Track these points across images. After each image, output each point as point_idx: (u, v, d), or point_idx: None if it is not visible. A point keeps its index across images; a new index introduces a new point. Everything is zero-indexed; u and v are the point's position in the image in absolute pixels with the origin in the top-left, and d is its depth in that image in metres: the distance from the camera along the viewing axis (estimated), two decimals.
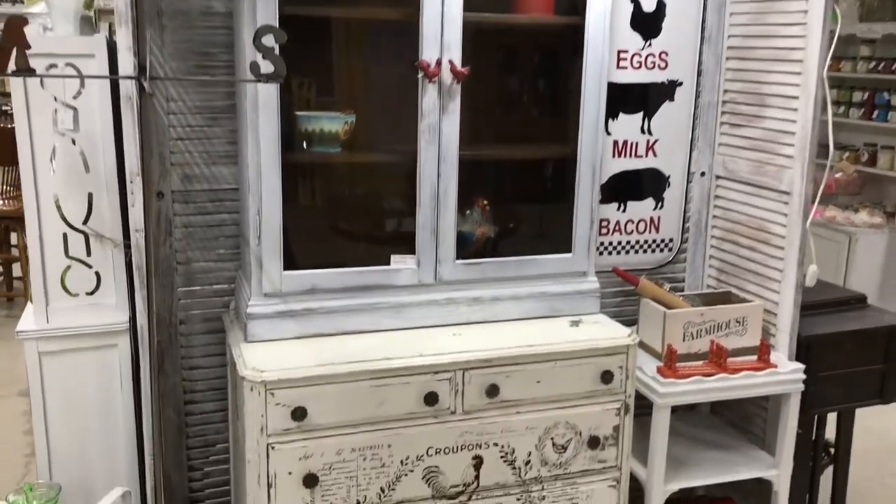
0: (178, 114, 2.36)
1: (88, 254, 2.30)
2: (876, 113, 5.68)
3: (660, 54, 2.78)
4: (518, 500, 2.31)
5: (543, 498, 2.34)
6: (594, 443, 2.35)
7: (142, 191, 2.06)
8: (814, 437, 3.02)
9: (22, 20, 1.66)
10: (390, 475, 2.17)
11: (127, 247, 2.27)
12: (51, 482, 2.22)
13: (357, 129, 2.30)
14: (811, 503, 3.13)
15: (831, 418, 3.13)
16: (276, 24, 2.00)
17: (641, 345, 2.57)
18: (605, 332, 2.39)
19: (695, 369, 2.54)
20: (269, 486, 2.07)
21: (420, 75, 2.20)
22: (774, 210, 2.71)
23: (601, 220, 2.80)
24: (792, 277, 2.64)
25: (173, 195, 2.40)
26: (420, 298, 2.35)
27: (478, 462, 2.24)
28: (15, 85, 2.14)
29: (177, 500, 2.57)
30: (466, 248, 2.41)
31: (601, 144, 2.47)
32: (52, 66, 2.09)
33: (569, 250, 2.47)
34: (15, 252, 5.56)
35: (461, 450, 2.22)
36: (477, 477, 2.25)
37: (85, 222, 2.27)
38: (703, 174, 2.95)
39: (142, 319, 2.16)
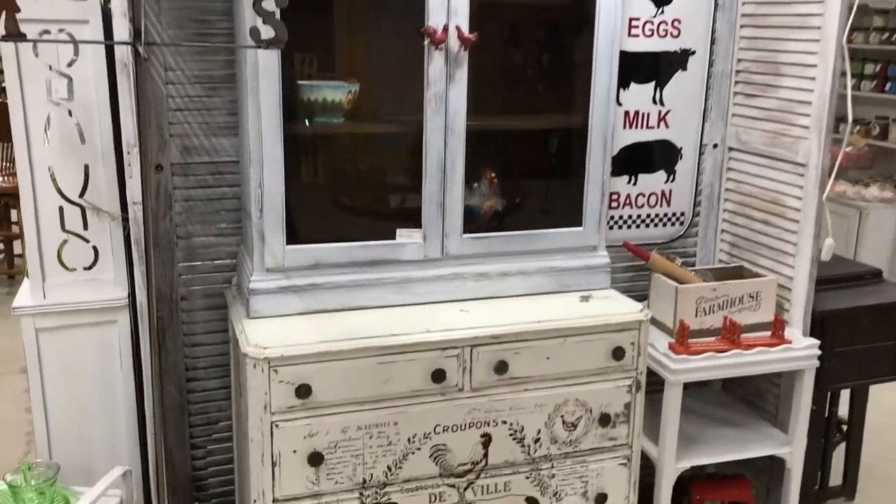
0: (176, 84, 2.29)
1: (85, 227, 2.24)
2: (888, 85, 5.58)
3: (672, 22, 2.69)
4: (527, 478, 2.27)
5: (553, 476, 2.29)
6: (605, 420, 2.30)
7: (139, 162, 2.00)
8: (826, 414, 2.98)
9: None
10: (397, 453, 2.12)
11: (125, 220, 2.21)
12: (49, 462, 2.18)
13: (361, 99, 2.23)
14: (823, 480, 3.10)
15: (844, 395, 3.08)
16: None
17: (652, 321, 2.51)
18: (616, 307, 2.33)
19: (707, 345, 2.49)
20: (274, 464, 2.03)
21: (426, 42, 2.13)
22: (789, 182, 2.64)
23: (611, 194, 2.73)
24: (807, 251, 2.58)
25: (172, 168, 2.34)
26: (426, 273, 2.29)
27: (486, 440, 2.20)
28: (7, 53, 2.07)
29: (179, 479, 2.53)
30: (474, 221, 2.35)
31: (613, 115, 2.39)
32: (45, 31, 2.02)
33: (579, 224, 2.40)
34: (15, 229, 5.50)
35: (469, 427, 2.18)
36: (485, 455, 2.21)
37: (81, 195, 2.21)
38: (715, 146, 2.88)
39: (141, 295, 2.11)
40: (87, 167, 2.19)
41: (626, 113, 2.73)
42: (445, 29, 2.12)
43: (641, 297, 2.69)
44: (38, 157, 2.15)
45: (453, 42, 2.14)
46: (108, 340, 2.30)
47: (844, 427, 3.16)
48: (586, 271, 2.43)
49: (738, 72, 2.81)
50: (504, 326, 2.17)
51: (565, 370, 2.23)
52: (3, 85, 5.86)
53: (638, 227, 2.85)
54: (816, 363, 2.54)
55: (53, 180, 2.17)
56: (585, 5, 2.28)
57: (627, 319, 2.27)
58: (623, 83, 2.67)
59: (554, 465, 2.29)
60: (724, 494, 2.66)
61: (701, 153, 2.86)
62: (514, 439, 2.23)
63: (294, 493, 2.06)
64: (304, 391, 2.01)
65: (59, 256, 2.23)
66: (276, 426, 2.01)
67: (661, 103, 2.77)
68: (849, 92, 2.47)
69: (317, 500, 2.09)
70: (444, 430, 2.15)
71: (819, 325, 2.63)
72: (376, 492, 2.13)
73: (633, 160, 2.78)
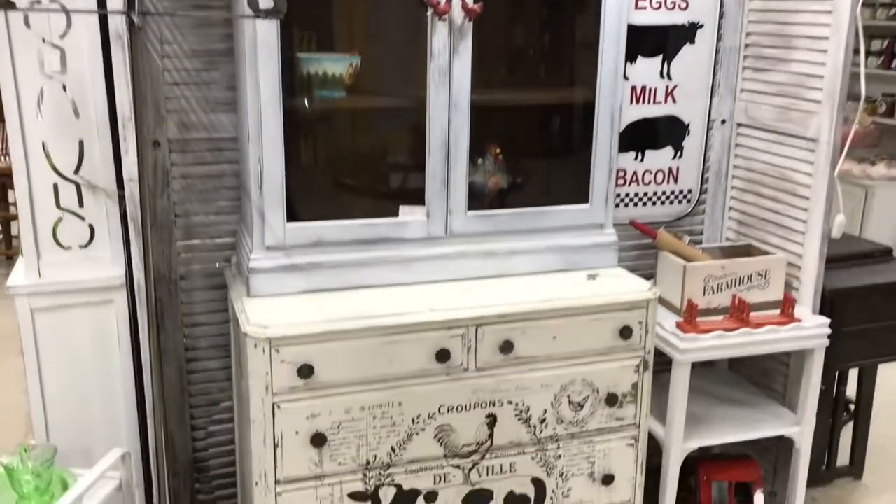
0: (173, 57, 2.24)
1: (81, 205, 2.18)
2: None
3: None
4: (533, 458, 2.23)
5: (559, 457, 2.26)
6: (612, 400, 2.26)
7: (135, 137, 1.94)
8: (834, 394, 2.95)
9: None
10: (401, 434, 2.09)
11: (121, 197, 2.16)
12: (46, 444, 2.14)
13: (363, 72, 2.17)
14: (830, 460, 3.07)
15: (851, 374, 3.05)
16: None
17: (659, 300, 2.46)
18: (624, 285, 2.29)
19: (716, 324, 2.44)
20: (276, 445, 1.99)
21: (429, 13, 2.07)
22: (800, 158, 2.59)
23: (617, 171, 2.67)
24: (817, 228, 2.53)
25: (170, 144, 2.29)
26: (430, 252, 2.24)
27: (491, 420, 2.16)
28: None
29: (179, 461, 2.50)
30: (478, 199, 2.30)
31: (621, 89, 2.34)
32: (36, 1, 1.96)
33: (586, 201, 2.35)
34: (14, 210, 5.45)
35: (474, 408, 2.14)
36: (490, 436, 2.17)
37: (76, 171, 2.16)
38: (723, 122, 2.82)
39: (139, 274, 2.06)
40: (81, 143, 2.14)
41: (633, 88, 2.68)
42: None
43: (648, 275, 2.64)
44: (31, 132, 2.09)
45: (457, 13, 2.08)
46: (105, 320, 2.26)
47: (852, 407, 3.13)
48: (593, 249, 2.39)
49: (747, 45, 2.75)
50: (510, 305, 2.13)
51: (572, 350, 2.19)
52: None
53: (644, 204, 2.80)
54: (826, 342, 2.50)
55: (47, 156, 2.11)
56: None
57: (636, 298, 2.23)
58: (630, 57, 2.61)
59: (560, 446, 2.25)
60: (733, 475, 2.63)
61: (709, 129, 2.81)
62: (519, 420, 2.19)
63: (296, 475, 2.03)
64: (306, 371, 1.97)
65: (54, 234, 2.18)
66: (278, 407, 1.97)
67: (669, 78, 2.71)
68: (862, 66, 2.41)
69: (320, 481, 2.05)
70: (448, 411, 2.12)
71: (829, 304, 2.59)
72: (380, 473, 2.10)
73: (640, 136, 2.73)
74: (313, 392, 1.99)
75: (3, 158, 5.32)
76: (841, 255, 2.76)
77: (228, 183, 2.37)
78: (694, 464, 2.62)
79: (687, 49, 2.71)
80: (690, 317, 2.43)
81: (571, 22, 2.51)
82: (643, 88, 2.70)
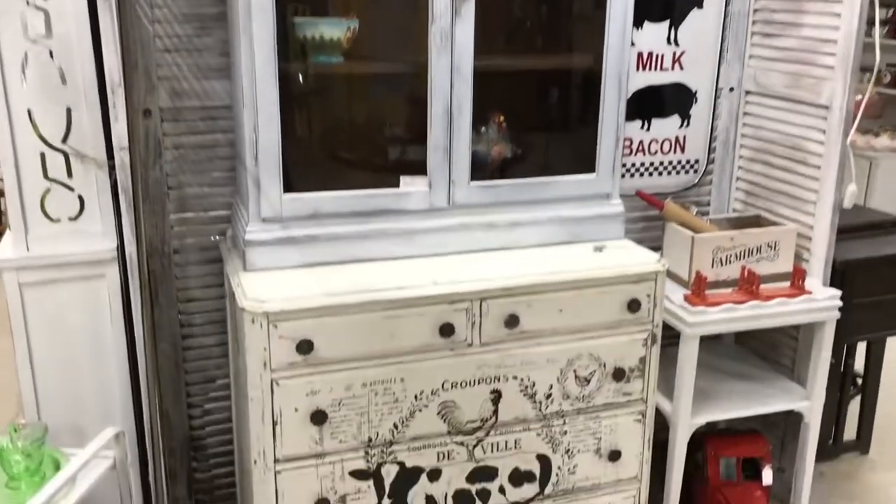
0: (163, 22, 2.15)
1: (70, 175, 2.11)
2: None
3: None
4: (538, 435, 2.18)
5: (565, 433, 2.20)
6: (619, 375, 2.20)
7: (125, 103, 1.86)
8: (842, 367, 2.90)
9: None
10: (403, 411, 2.03)
11: (111, 167, 2.09)
12: (37, 423, 2.08)
13: (361, 36, 2.09)
14: (837, 434, 3.04)
15: (859, 348, 3.00)
16: None
17: (666, 272, 2.40)
18: (631, 257, 2.22)
19: (725, 297, 2.39)
20: (275, 423, 1.93)
21: None
22: (811, 126, 2.52)
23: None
24: (829, 198, 2.47)
25: (162, 113, 2.21)
26: (432, 224, 2.17)
27: (496, 396, 2.10)
28: None
29: (176, 439, 2.44)
30: (482, 168, 2.22)
31: (628, 55, 2.25)
32: None
33: (592, 170, 2.28)
34: (0, 183, 5.35)
35: (479, 383, 2.08)
36: (495, 412, 2.12)
37: (64, 140, 2.08)
38: (731, 89, 2.75)
39: (130, 246, 1.99)
40: (69, 110, 2.05)
41: (640, 54, 2.60)
42: None
43: (654, 247, 2.57)
44: (16, 99, 2.01)
45: None
46: (96, 295, 2.19)
47: (859, 380, 3.08)
48: (600, 220, 2.32)
49: (756, 10, 2.68)
50: (515, 278, 2.06)
51: (578, 323, 2.13)
52: None
53: (651, 175, 2.73)
54: (838, 315, 2.45)
55: (33, 124, 2.03)
56: None
57: (644, 270, 2.16)
58: (636, 22, 2.52)
59: (566, 422, 2.20)
60: (741, 450, 2.58)
61: (716, 97, 2.73)
62: (524, 395, 2.13)
63: (296, 453, 1.97)
64: (305, 347, 1.90)
65: (42, 206, 2.11)
66: (277, 384, 1.91)
67: (676, 44, 2.64)
68: (877, 29, 2.34)
69: (320, 459, 2.00)
70: (452, 387, 2.06)
71: (839, 276, 2.53)
72: (382, 450, 2.05)
73: (647, 104, 2.66)
74: (313, 368, 1.93)
75: None
76: (850, 226, 2.70)
77: (223, 153, 2.29)
78: (701, 439, 2.58)
79: (695, 14, 2.63)
80: (699, 289, 2.37)
81: None
82: (650, 55, 2.62)
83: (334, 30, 2.04)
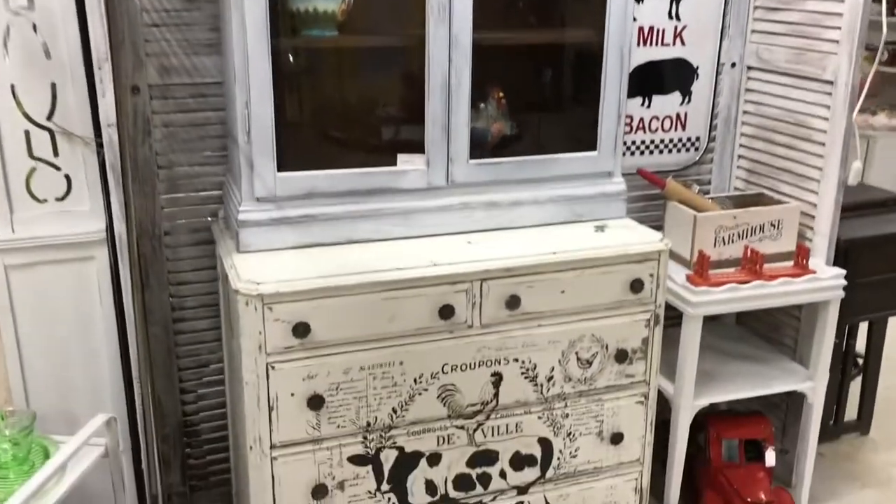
0: None
1: (56, 154, 2.04)
2: None
3: None
4: (540, 418, 2.14)
5: (567, 416, 2.16)
6: (621, 356, 2.16)
7: (112, 79, 1.79)
8: (844, 347, 2.87)
9: None
10: (403, 394, 1.98)
11: (99, 146, 2.02)
12: (25, 410, 2.03)
13: (356, 8, 2.02)
14: (838, 414, 3.01)
15: (861, 328, 2.97)
16: None
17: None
18: (634, 237, 2.17)
19: (728, 276, 2.34)
20: (270, 408, 1.88)
21: None
22: (815, 102, 2.47)
23: None
24: (833, 176, 2.43)
25: (150, 90, 2.15)
26: (431, 203, 2.12)
27: (497, 379, 2.06)
28: None
29: (169, 425, 2.39)
30: (481, 146, 2.16)
31: (630, 29, 2.19)
32: None
33: (594, 148, 2.22)
34: None
35: (479, 366, 2.03)
36: (496, 395, 2.07)
37: (49, 118, 2.00)
38: (733, 65, 2.69)
39: (120, 227, 1.92)
40: (54, 86, 1.98)
41: (641, 29, 2.54)
42: None
43: (655, 227, 2.52)
44: None
45: None
46: (85, 278, 2.13)
47: (860, 361, 3.06)
48: (601, 199, 2.27)
49: None
50: (516, 259, 2.01)
51: (580, 304, 2.09)
52: None
53: (651, 153, 2.68)
54: (842, 294, 2.41)
55: (17, 101, 1.95)
56: None
57: (647, 250, 2.11)
58: None
59: (568, 405, 2.16)
60: (744, 432, 2.55)
61: (718, 73, 2.68)
62: (526, 378, 2.09)
63: (293, 439, 1.92)
64: (301, 330, 1.85)
65: (27, 186, 2.04)
66: (272, 368, 1.86)
67: (678, 18, 2.58)
68: (884, 6, 2.29)
69: (318, 445, 1.95)
70: (452, 370, 2.01)
71: (843, 255, 2.49)
72: (381, 435, 2.00)
73: (648, 81, 2.61)
74: (309, 352, 1.88)
75: None
76: (853, 204, 2.65)
77: (214, 132, 2.23)
78: (703, 420, 2.54)
79: None
80: (702, 269, 2.33)
81: None
82: (651, 29, 2.56)
83: (328, 2, 1.98)
